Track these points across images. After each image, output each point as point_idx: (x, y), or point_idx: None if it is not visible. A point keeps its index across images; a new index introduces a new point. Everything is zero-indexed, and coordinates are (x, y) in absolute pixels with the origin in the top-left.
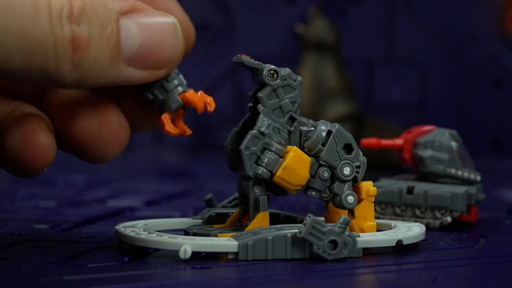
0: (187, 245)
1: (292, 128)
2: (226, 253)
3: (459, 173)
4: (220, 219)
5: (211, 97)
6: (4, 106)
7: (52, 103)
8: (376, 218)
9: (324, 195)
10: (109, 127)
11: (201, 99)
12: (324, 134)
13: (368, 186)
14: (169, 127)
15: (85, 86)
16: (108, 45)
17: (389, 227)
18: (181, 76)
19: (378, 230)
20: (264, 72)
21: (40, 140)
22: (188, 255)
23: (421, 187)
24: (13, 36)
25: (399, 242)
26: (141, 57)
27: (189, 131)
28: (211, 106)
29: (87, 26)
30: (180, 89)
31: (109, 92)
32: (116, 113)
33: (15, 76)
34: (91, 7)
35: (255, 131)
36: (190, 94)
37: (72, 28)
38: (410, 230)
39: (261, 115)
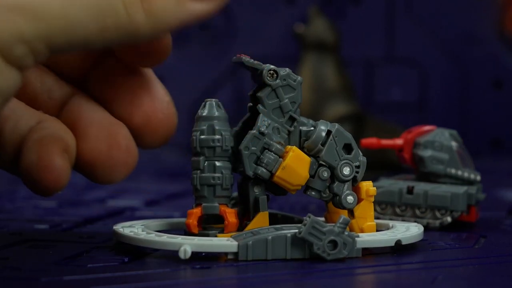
0: (187, 245)
1: (292, 128)
2: (226, 253)
3: (459, 173)
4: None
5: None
6: (29, 117)
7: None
8: (376, 218)
9: (324, 195)
10: (119, 150)
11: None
12: (323, 134)
13: (367, 186)
14: (193, 223)
15: (160, 33)
16: None
17: (387, 227)
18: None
19: (376, 230)
20: (264, 72)
21: (54, 165)
22: (188, 255)
23: (421, 187)
24: (79, 5)
25: (398, 242)
26: None
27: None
28: (226, 228)
29: None
30: (223, 200)
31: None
32: (126, 137)
33: (96, 43)
34: None
35: (254, 131)
36: (230, 213)
37: None
38: (408, 230)
39: (260, 115)
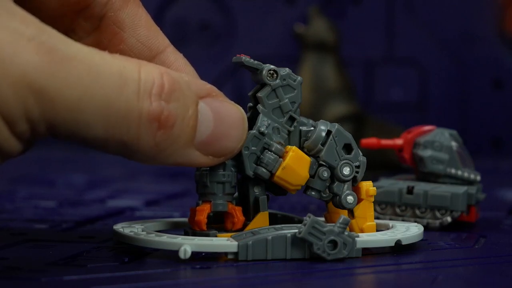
0: (187, 245)
1: (292, 128)
2: (226, 253)
3: (459, 173)
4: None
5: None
6: None
7: None
8: (376, 218)
9: (324, 195)
10: None
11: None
12: (323, 134)
13: (367, 186)
14: (203, 220)
15: (154, 164)
16: (187, 128)
17: (387, 227)
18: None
19: (376, 230)
20: (264, 72)
21: None
22: (188, 255)
23: (421, 187)
24: (96, 105)
25: (398, 242)
26: (209, 143)
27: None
28: (236, 225)
29: (175, 105)
30: (230, 198)
31: None
32: None
33: (93, 145)
34: (179, 86)
35: (254, 131)
36: (238, 211)
37: (162, 105)
38: (408, 230)
39: (260, 115)
